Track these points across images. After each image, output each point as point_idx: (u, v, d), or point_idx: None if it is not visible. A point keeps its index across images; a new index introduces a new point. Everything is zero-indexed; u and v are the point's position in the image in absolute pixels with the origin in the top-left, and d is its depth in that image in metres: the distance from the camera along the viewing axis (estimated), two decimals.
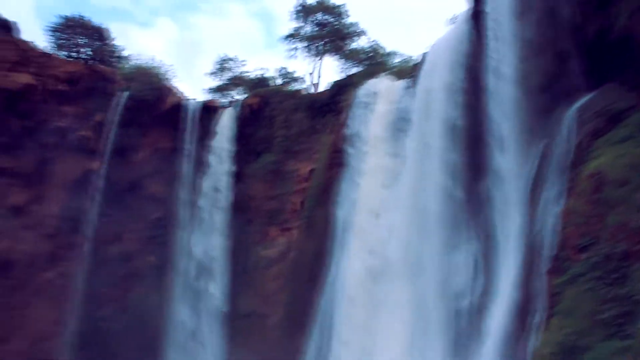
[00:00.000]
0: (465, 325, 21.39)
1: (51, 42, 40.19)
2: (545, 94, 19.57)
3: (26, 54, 35.55)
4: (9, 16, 38.19)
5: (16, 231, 33.90)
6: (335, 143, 31.97)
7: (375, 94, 30.75)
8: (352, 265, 27.94)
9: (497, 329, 17.97)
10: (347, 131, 30.78)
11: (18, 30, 36.27)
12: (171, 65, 55.44)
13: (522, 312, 16.88)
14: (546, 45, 19.79)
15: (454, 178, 23.73)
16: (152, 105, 37.10)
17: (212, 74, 44.76)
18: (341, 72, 41.63)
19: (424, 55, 27.66)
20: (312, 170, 34.10)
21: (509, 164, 20.56)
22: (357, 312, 26.34)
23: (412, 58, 36.62)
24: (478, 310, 20.80)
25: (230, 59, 44.91)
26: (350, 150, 30.72)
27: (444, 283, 23.19)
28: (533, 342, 15.50)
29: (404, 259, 25.11)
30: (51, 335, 33.13)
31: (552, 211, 17.24)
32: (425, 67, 26.73)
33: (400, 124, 28.39)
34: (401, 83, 30.19)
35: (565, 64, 19.67)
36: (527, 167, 19.49)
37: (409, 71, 30.87)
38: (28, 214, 34.62)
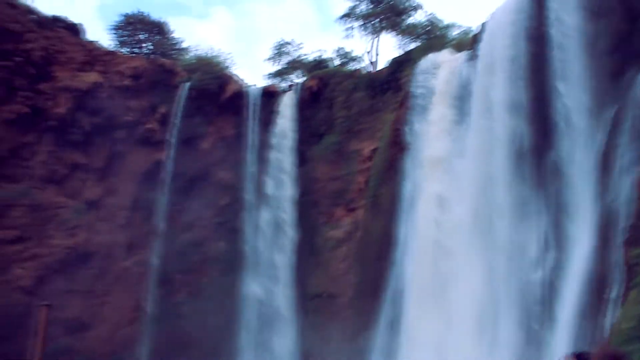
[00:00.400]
0: (537, 299, 20.98)
1: (114, 40, 41.44)
2: (615, 57, 18.81)
3: (92, 54, 36.77)
4: (75, 18, 39.33)
5: (93, 224, 35.27)
6: (396, 120, 31.71)
7: (435, 68, 30.27)
8: (419, 242, 27.80)
9: (571, 304, 17.55)
10: (409, 108, 30.48)
11: (84, 32, 37.55)
12: (230, 54, 56.19)
13: (598, 286, 16.42)
14: (615, 4, 18.96)
15: (522, 149, 23.19)
16: (214, 94, 37.70)
17: (270, 59, 45.10)
18: (399, 48, 41.18)
19: (484, 25, 27.01)
20: (374, 149, 33.98)
21: (578, 132, 19.93)
22: (426, 289, 26.23)
23: (471, 29, 35.83)
24: (550, 284, 20.36)
25: (287, 43, 45.09)
26: (412, 126, 30.42)
27: (515, 256, 22.79)
28: (610, 316, 15.07)
29: (472, 233, 24.78)
30: (130, 320, 34.48)
31: (626, 179, 16.64)
32: (486, 38, 26.12)
33: (462, 97, 27.90)
34: (461, 55, 29.60)
35: (635, 23, 18.82)
36: (598, 134, 18.84)
37: (469, 43, 30.20)
38: (103, 206, 35.93)
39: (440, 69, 30.02)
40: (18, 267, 32.90)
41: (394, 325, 27.18)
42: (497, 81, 24.38)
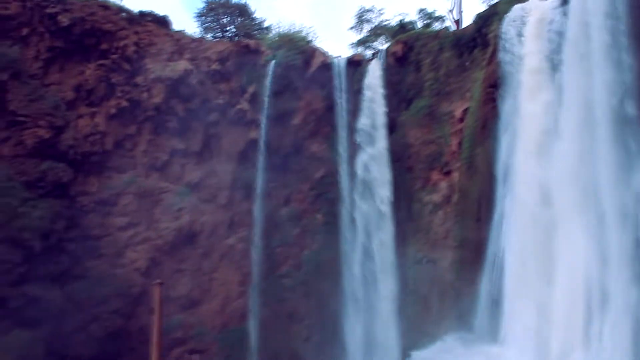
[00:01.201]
0: None
1: (199, 27, 42.54)
2: None
3: (180, 43, 38.00)
4: (161, 11, 40.61)
5: (196, 205, 36.79)
6: (487, 78, 30.77)
7: (523, 19, 28.99)
8: (518, 200, 27.05)
9: None
10: (499, 64, 29.47)
11: (170, 23, 38.87)
12: (312, 27, 56.21)
13: None
14: None
15: (623, 97, 21.98)
16: (300, 69, 38.01)
17: (352, 28, 44.80)
18: (483, 3, 39.73)
19: None
20: (466, 110, 33.20)
21: None
22: (529, 248, 25.56)
23: None
24: None
25: (369, 10, 44.61)
26: (504, 83, 29.44)
27: (623, 210, 21.76)
28: None
29: (575, 186, 23.82)
30: (238, 295, 35.92)
31: None
32: None
33: (555, 48, 26.65)
34: (551, 3, 28.18)
35: None
36: None
37: None
38: (204, 188, 37.37)
39: (529, 20, 28.73)
40: (131, 250, 34.95)
41: (496, 286, 26.74)
42: (593, 29, 23.14)
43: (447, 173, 33.97)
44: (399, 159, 35.74)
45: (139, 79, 36.27)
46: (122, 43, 36.07)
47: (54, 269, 31.91)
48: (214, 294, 36.03)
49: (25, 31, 33.99)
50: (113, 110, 35.55)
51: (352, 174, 36.16)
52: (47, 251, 31.72)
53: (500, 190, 28.48)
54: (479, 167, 30.64)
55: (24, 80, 33.48)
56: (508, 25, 29.26)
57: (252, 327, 34.27)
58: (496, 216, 28.20)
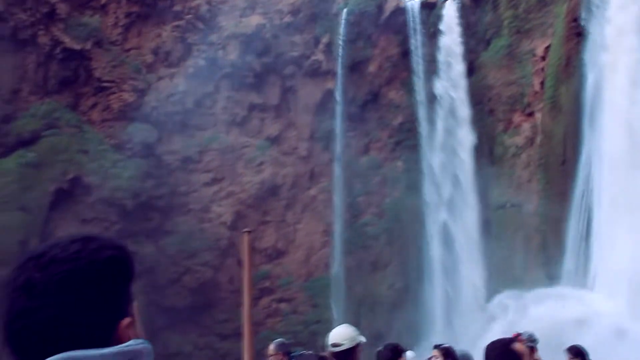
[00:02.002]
0: None
1: None
2: None
3: None
4: None
5: (277, 158, 37.47)
6: (570, 12, 29.19)
7: None
8: (607, 140, 25.89)
9: None
10: None
11: None
12: None
13: None
14: None
15: None
16: (373, 15, 37.32)
17: None
18: None
19: None
20: (548, 47, 31.70)
21: None
22: (619, 189, 24.53)
23: None
24: None
25: None
26: (589, 15, 27.84)
27: None
28: None
29: None
30: (322, 244, 36.66)
31: None
32: None
33: None
34: None
35: None
36: None
37: None
38: (284, 140, 37.93)
39: None
40: (217, 205, 36.21)
41: (584, 232, 25.95)
42: None
43: (530, 114, 32.82)
44: (479, 101, 34.80)
45: (213, 37, 36.79)
46: (194, 3, 36.58)
47: (146, 226, 33.63)
48: (298, 244, 36.95)
49: (103, 0, 35.09)
50: (191, 70, 36.35)
51: (431, 120, 35.59)
52: (139, 209, 33.41)
53: (586, 130, 27.33)
54: (563, 106, 29.42)
55: (106, 47, 34.77)
56: None
57: (337, 275, 35.00)
58: (583, 157, 27.16)
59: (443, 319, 31.21)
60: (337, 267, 35.24)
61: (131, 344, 1.48)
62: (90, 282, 1.46)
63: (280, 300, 35.30)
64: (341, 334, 4.98)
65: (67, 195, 32.45)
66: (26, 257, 1.51)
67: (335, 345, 4.93)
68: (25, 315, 1.45)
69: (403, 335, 27.20)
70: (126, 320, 1.53)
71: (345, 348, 4.91)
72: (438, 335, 25.81)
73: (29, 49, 33.28)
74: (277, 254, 36.53)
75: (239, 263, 35.62)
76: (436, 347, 7.67)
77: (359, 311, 32.15)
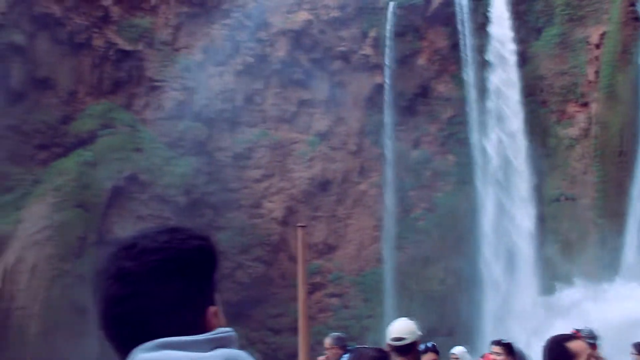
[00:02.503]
0: None
1: None
2: None
3: None
4: None
5: (326, 153, 37.53)
6: None
7: None
8: None
9: None
10: None
11: None
12: None
13: None
14: None
15: None
16: (420, 8, 36.97)
17: None
18: None
19: None
20: (603, 34, 30.80)
21: None
22: None
23: None
24: None
25: None
26: None
27: None
28: None
29: None
30: (373, 239, 36.57)
31: None
32: None
33: None
34: None
35: None
36: None
37: None
38: (333, 136, 37.97)
39: None
40: (268, 201, 36.55)
41: None
42: None
43: (584, 105, 31.98)
44: (531, 92, 34.10)
45: (261, 34, 37.10)
46: (242, 0, 36.95)
47: (199, 222, 34.18)
48: (349, 239, 36.97)
49: (153, 1, 35.86)
50: (240, 67, 36.75)
51: (482, 112, 35.06)
52: (191, 205, 34.04)
53: None
54: (620, 96, 28.59)
55: (157, 47, 35.53)
56: None
57: (388, 270, 34.88)
58: None
59: (496, 314, 30.76)
60: (388, 262, 35.13)
61: (220, 331, 1.53)
62: (179, 270, 1.51)
63: (331, 295, 35.42)
64: (403, 328, 4.95)
65: (122, 192, 33.32)
66: (117, 248, 1.56)
67: (397, 339, 4.90)
68: (119, 303, 1.49)
69: (455, 331, 26.99)
70: (213, 309, 1.58)
71: (407, 342, 4.89)
72: (491, 331, 25.47)
73: (84, 51, 34.36)
74: (327, 249, 36.65)
75: (291, 258, 35.91)
76: (496, 343, 7.51)
77: (411, 306, 31.92)
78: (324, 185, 37.33)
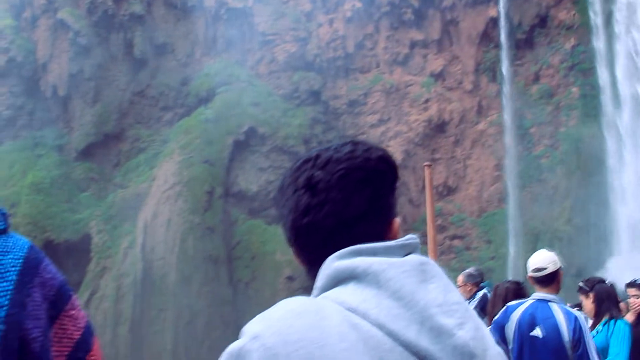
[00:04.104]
0: None
1: None
2: None
3: None
4: None
5: (442, 94, 36.78)
6: None
7: None
8: None
9: None
10: None
11: None
12: None
13: None
14: None
15: None
16: None
17: None
18: None
19: None
20: None
21: None
22: None
23: None
24: None
25: None
26: None
27: None
28: None
29: None
30: (494, 179, 35.71)
31: None
32: None
33: None
34: None
35: None
36: None
37: None
38: (448, 76, 37.07)
39: None
40: (385, 146, 36.47)
41: None
42: None
43: None
44: None
45: None
46: None
47: None
48: (469, 180, 36.35)
49: None
50: (349, 14, 36.46)
51: (609, 38, 32.71)
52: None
53: None
54: None
55: (265, 1, 35.95)
56: None
57: (511, 209, 34.03)
58: None
59: (627, 254, 29.29)
60: (511, 202, 34.25)
61: (410, 237, 1.52)
62: (367, 179, 1.51)
63: (453, 237, 35.21)
64: (544, 258, 4.84)
65: (243, 146, 34.59)
66: (301, 161, 1.57)
67: (538, 269, 4.80)
68: (310, 212, 1.50)
69: (583, 271, 26.03)
70: (397, 220, 1.58)
71: (548, 272, 4.80)
72: (622, 271, 24.33)
73: (197, 14, 35.54)
74: (448, 191, 36.29)
75: (410, 202, 35.96)
76: (631, 285, 7.17)
77: (536, 247, 31.04)
78: (441, 126, 36.74)
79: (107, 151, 35.61)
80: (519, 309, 4.80)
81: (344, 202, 1.49)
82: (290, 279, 31.25)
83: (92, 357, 1.39)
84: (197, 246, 31.51)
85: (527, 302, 4.84)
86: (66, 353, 1.33)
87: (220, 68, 35.35)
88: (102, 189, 34.77)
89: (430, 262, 1.48)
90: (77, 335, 1.38)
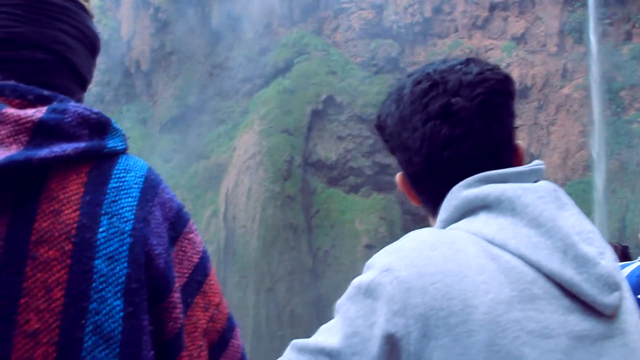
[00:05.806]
0: None
1: None
2: None
3: None
4: None
5: (524, 58, 35.59)
6: None
7: None
8: None
9: None
10: None
11: None
12: None
13: None
14: None
15: None
16: None
17: None
18: None
19: None
20: None
21: None
22: None
23: None
24: None
25: None
26: None
27: None
28: None
29: None
30: (579, 146, 34.41)
31: None
32: None
33: None
34: None
35: None
36: None
37: None
38: (530, 38, 35.80)
39: None
40: None
41: None
42: None
43: None
44: None
45: None
46: None
47: None
48: (553, 147, 35.18)
49: None
50: None
51: None
52: None
53: None
54: None
55: None
56: None
57: (598, 179, 32.75)
58: None
59: None
60: (597, 170, 32.95)
61: (539, 163, 1.46)
62: (502, 103, 1.41)
63: None
64: None
65: (322, 115, 34.75)
66: (426, 84, 1.41)
67: None
68: (452, 144, 1.38)
69: None
70: (521, 143, 1.51)
71: None
72: None
73: None
74: (530, 159, 34.90)
75: None
76: None
77: (625, 217, 30.04)
78: (523, 91, 35.59)
79: (189, 123, 36.71)
80: (626, 270, 4.69)
81: (486, 131, 1.39)
82: (369, 247, 31.45)
83: (211, 281, 1.39)
84: (277, 215, 32.16)
85: (634, 264, 4.70)
86: (187, 274, 1.33)
87: (297, 38, 35.50)
88: (185, 159, 35.96)
89: (561, 189, 1.42)
90: (196, 258, 1.36)
